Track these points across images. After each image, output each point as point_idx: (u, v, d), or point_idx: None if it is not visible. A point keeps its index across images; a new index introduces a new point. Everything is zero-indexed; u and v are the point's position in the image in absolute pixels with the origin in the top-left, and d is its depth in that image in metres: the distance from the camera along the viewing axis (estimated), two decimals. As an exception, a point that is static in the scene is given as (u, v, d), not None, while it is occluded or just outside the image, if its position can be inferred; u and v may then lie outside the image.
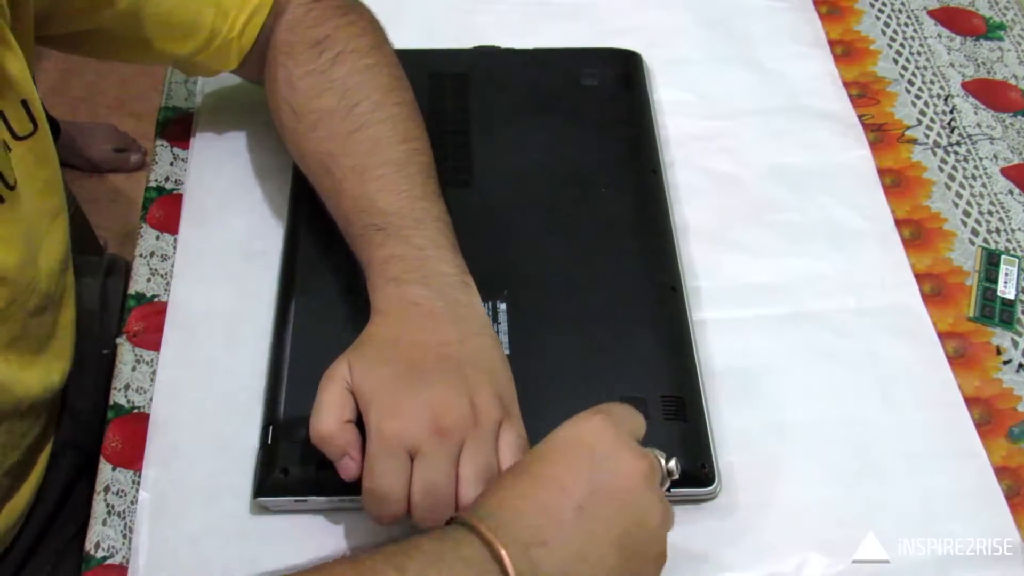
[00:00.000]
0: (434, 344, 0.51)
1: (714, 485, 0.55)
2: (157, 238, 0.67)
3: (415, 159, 0.59)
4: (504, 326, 0.59)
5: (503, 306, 0.59)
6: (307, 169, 0.61)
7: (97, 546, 0.54)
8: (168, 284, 0.65)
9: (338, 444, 0.49)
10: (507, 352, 0.57)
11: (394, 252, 0.54)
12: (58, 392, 0.62)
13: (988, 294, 0.65)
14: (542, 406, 0.55)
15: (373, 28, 0.64)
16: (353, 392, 0.50)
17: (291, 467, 0.53)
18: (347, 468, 0.49)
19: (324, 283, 0.61)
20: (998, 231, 0.69)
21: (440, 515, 0.48)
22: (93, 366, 0.69)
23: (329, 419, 0.49)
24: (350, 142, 0.58)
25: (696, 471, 0.55)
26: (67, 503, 0.65)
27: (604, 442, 0.46)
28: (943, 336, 0.63)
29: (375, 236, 0.55)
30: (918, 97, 0.76)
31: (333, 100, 0.59)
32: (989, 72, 0.78)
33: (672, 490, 0.54)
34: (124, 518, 0.55)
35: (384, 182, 0.57)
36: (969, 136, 0.74)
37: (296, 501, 0.53)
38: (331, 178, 0.58)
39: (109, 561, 0.54)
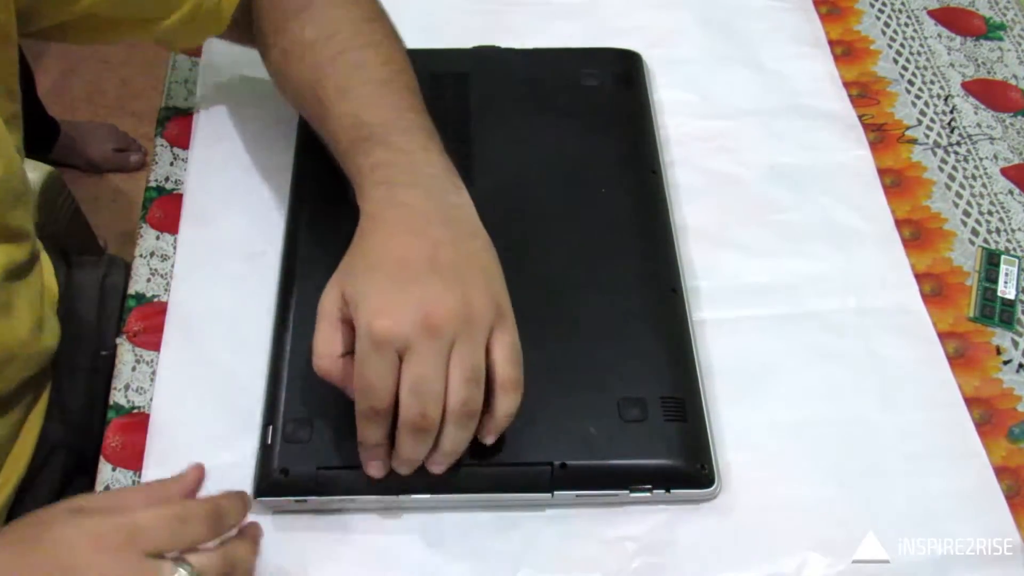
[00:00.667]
0: (426, 245, 0.50)
1: (714, 486, 0.55)
2: (157, 238, 0.67)
3: (399, 79, 0.59)
4: None
5: None
6: (297, 100, 0.62)
7: (97, 546, 0.54)
8: (168, 284, 0.65)
9: (337, 380, 0.49)
10: None
11: (382, 158, 0.54)
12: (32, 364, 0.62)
13: (988, 294, 0.65)
14: (542, 407, 0.55)
15: None
16: (344, 308, 0.50)
17: (291, 467, 0.53)
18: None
19: (324, 283, 0.61)
20: (998, 231, 0.69)
21: (428, 412, 0.47)
22: (87, 366, 0.69)
23: (322, 360, 0.49)
24: (333, 66, 0.58)
25: (696, 472, 0.55)
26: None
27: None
28: (943, 336, 0.63)
29: (362, 145, 0.55)
30: (918, 97, 0.76)
31: (315, 31, 0.60)
32: (989, 72, 0.78)
33: (672, 491, 0.54)
34: (124, 518, 0.55)
35: (369, 99, 0.57)
36: (969, 136, 0.74)
37: (296, 501, 0.53)
38: (318, 102, 0.58)
39: (109, 561, 0.54)
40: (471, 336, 0.48)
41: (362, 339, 0.48)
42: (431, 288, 0.48)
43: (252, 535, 0.49)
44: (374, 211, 0.52)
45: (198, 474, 0.49)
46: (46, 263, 0.71)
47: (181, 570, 0.43)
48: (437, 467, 0.51)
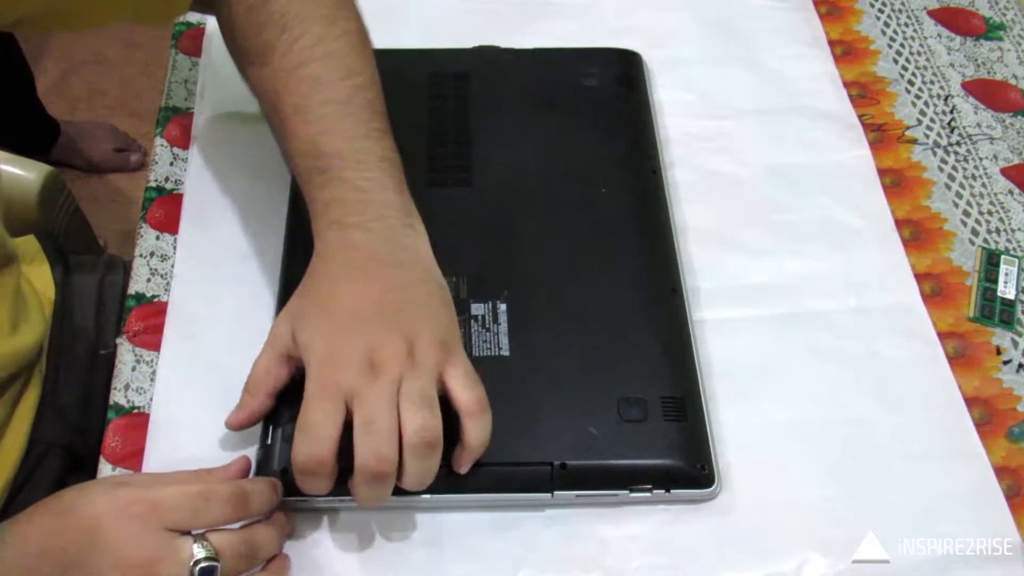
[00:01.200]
0: (374, 291, 0.51)
1: (714, 486, 0.55)
2: (157, 238, 0.67)
3: (359, 96, 0.57)
4: (504, 326, 0.59)
5: (503, 306, 0.59)
6: (261, 108, 0.60)
7: (97, 546, 0.54)
8: (168, 284, 0.65)
9: (254, 414, 0.52)
10: (507, 352, 0.57)
11: (335, 195, 0.54)
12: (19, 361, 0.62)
13: (988, 294, 0.65)
14: (541, 407, 0.55)
15: None
16: (293, 350, 0.51)
17: (289, 466, 0.53)
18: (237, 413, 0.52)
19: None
20: (998, 231, 0.69)
21: (382, 453, 0.47)
22: (84, 366, 0.69)
23: (254, 399, 0.52)
24: (292, 80, 0.56)
25: (696, 472, 0.55)
26: None
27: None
28: (943, 336, 0.63)
29: (317, 179, 0.54)
30: (918, 97, 0.76)
31: (274, 34, 0.57)
32: (989, 72, 0.78)
33: (672, 491, 0.54)
34: (124, 518, 0.55)
35: (325, 123, 0.55)
36: (969, 136, 0.74)
37: (295, 501, 0.53)
38: (277, 117, 0.57)
39: (109, 561, 0.54)
40: (417, 376, 0.49)
41: (310, 385, 0.49)
42: (376, 334, 0.49)
43: (279, 523, 0.50)
44: (326, 253, 0.53)
45: (242, 464, 0.52)
46: (41, 262, 0.71)
47: (197, 546, 0.45)
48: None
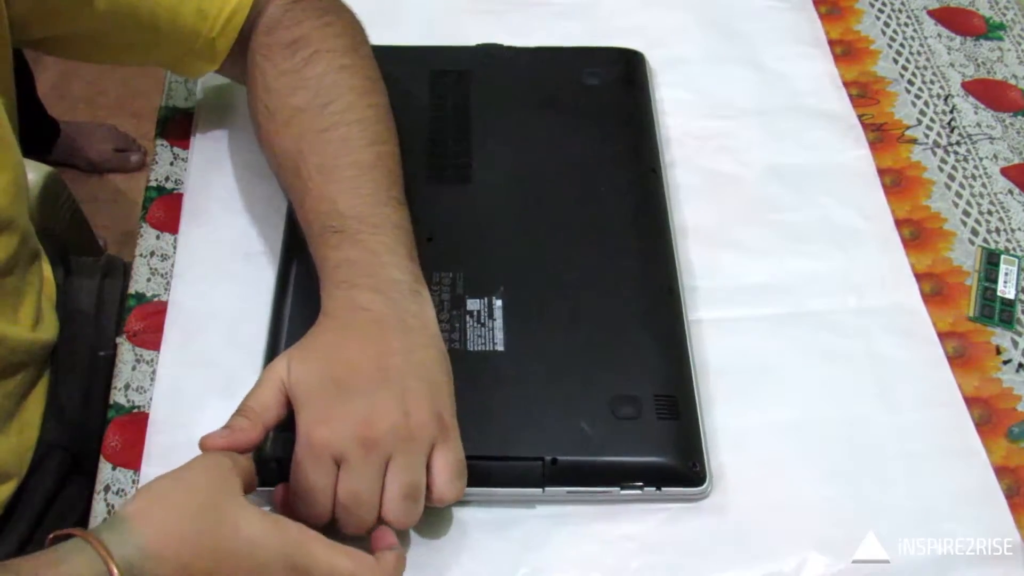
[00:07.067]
0: (377, 353, 0.51)
1: (704, 485, 0.55)
2: (157, 238, 0.67)
3: (382, 163, 0.58)
4: (499, 322, 0.59)
5: (499, 303, 0.59)
6: (277, 168, 0.61)
7: (97, 546, 0.54)
8: (168, 284, 0.65)
9: (250, 438, 0.50)
10: (502, 348, 0.57)
11: (348, 255, 0.54)
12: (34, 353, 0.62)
13: (988, 294, 0.65)
14: (535, 402, 0.55)
15: (351, 30, 0.63)
16: (288, 392, 0.50)
17: (285, 457, 0.53)
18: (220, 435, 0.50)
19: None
20: (998, 231, 0.69)
21: (363, 525, 0.49)
22: (85, 366, 0.69)
23: (253, 427, 0.50)
24: (319, 141, 0.58)
25: (687, 470, 0.55)
26: (54, 505, 0.65)
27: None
28: (943, 336, 0.63)
29: (331, 238, 0.55)
30: (918, 97, 0.76)
31: (306, 98, 0.59)
32: (989, 72, 0.78)
33: (663, 489, 0.54)
34: (124, 518, 0.55)
35: (347, 184, 0.56)
36: (969, 136, 0.74)
37: None
38: (298, 177, 0.58)
39: (109, 561, 0.54)
40: (409, 452, 0.49)
41: (300, 443, 0.49)
42: (373, 400, 0.49)
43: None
44: (334, 311, 0.53)
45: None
46: (44, 260, 0.71)
47: None
48: None
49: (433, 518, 0.55)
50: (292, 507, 0.50)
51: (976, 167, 0.72)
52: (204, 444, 0.49)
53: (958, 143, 0.74)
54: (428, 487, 0.50)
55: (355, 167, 0.57)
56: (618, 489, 0.54)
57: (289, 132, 0.59)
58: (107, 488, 0.57)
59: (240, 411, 0.50)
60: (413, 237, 0.57)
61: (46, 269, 0.70)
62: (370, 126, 0.59)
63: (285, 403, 0.51)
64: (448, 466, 0.50)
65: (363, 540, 0.50)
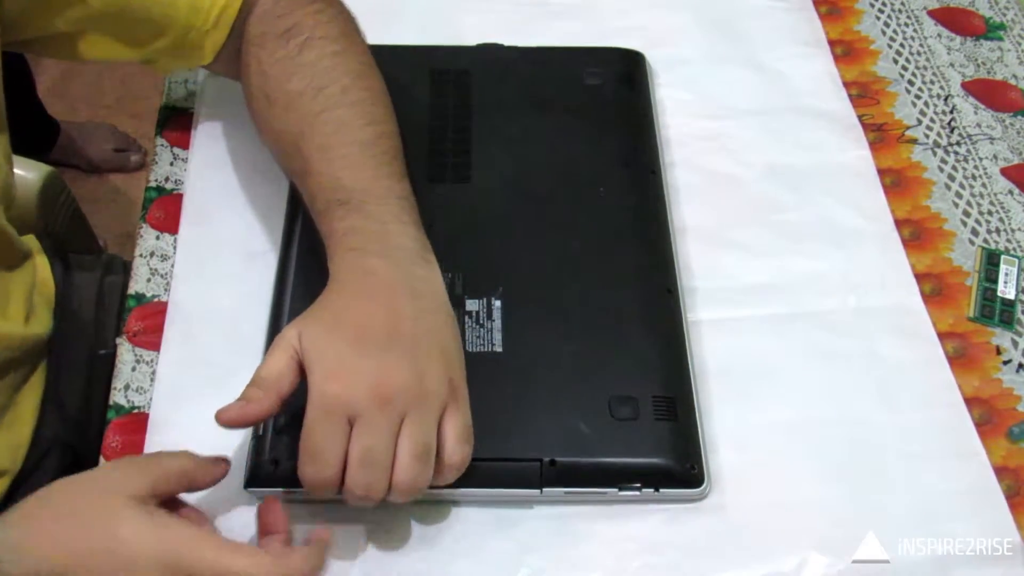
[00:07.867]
0: (387, 316, 0.51)
1: (703, 486, 0.55)
2: (157, 238, 0.67)
3: (381, 142, 0.59)
4: (498, 322, 0.59)
5: (498, 303, 0.59)
6: (278, 151, 0.62)
7: (97, 546, 0.54)
8: (168, 284, 0.65)
9: (263, 407, 0.49)
10: (500, 349, 0.57)
11: (355, 224, 0.54)
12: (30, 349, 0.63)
13: (988, 294, 0.65)
14: (533, 403, 0.55)
15: (342, 17, 0.64)
16: (300, 356, 0.50)
17: (281, 459, 0.53)
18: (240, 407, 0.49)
19: (320, 283, 0.61)
20: (998, 231, 0.69)
21: (374, 486, 0.47)
22: (85, 365, 0.69)
23: (266, 396, 0.49)
24: (318, 122, 0.58)
25: (685, 472, 0.55)
26: None
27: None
28: (943, 336, 0.63)
29: (337, 210, 0.55)
30: (918, 97, 0.76)
31: (303, 83, 0.60)
32: (989, 72, 0.78)
33: (661, 490, 0.54)
34: (124, 518, 0.55)
35: (349, 160, 0.57)
36: (969, 136, 0.74)
37: (286, 492, 0.53)
38: (300, 157, 0.58)
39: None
40: (423, 412, 0.49)
41: (313, 400, 0.48)
42: (387, 359, 0.49)
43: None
44: (342, 276, 0.53)
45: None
46: (41, 259, 0.72)
47: None
48: None
49: (433, 518, 0.55)
50: (300, 474, 0.48)
51: (976, 167, 0.72)
52: (220, 417, 0.48)
53: (958, 143, 0.74)
54: (437, 451, 0.50)
55: (356, 144, 0.58)
56: (616, 490, 0.54)
57: (288, 116, 0.60)
58: (107, 488, 0.57)
59: (253, 382, 0.50)
60: (417, 208, 0.57)
61: (42, 267, 0.70)
62: (367, 107, 0.60)
63: (298, 369, 0.50)
64: (457, 428, 0.50)
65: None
